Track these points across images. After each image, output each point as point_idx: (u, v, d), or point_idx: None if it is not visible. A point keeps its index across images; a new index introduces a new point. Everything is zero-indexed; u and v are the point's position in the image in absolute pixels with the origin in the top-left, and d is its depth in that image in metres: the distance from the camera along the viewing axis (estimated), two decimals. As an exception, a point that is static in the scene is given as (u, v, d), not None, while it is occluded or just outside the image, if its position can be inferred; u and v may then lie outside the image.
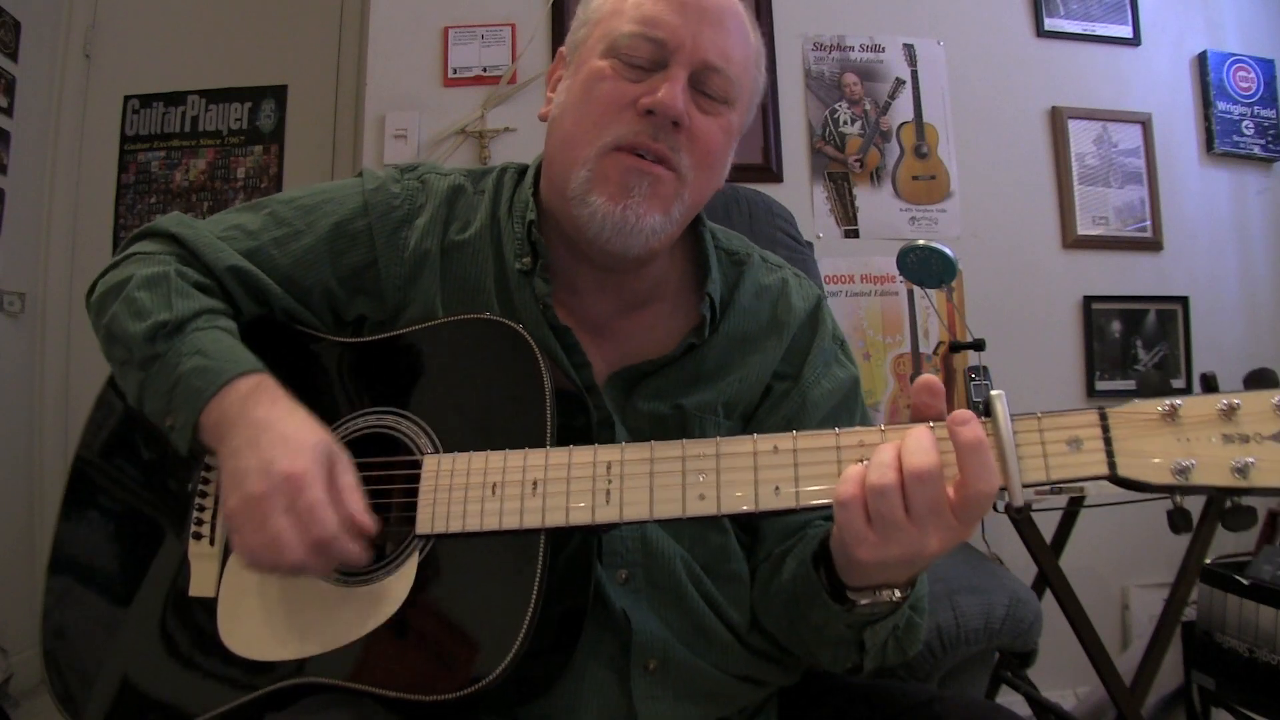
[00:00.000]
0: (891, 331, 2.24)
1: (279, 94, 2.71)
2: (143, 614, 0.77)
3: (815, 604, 0.68)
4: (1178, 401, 0.55)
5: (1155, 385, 0.56)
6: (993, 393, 0.57)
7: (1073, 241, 2.36)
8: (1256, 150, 2.50)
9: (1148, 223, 2.41)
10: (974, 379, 1.80)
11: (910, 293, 2.25)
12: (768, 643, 0.81)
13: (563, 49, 0.85)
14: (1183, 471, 0.54)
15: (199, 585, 0.76)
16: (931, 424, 0.58)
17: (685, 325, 0.84)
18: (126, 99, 2.71)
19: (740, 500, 0.61)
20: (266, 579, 0.73)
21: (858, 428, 0.61)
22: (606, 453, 0.65)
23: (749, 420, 0.85)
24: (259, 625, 0.72)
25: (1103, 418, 0.56)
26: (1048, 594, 1.60)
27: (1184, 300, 2.39)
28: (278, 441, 0.66)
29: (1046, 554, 1.56)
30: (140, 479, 0.83)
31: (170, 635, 0.76)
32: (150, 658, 0.75)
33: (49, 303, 2.53)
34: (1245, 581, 1.72)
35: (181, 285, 0.78)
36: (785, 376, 0.85)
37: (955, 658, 1.02)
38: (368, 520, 0.67)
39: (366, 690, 0.66)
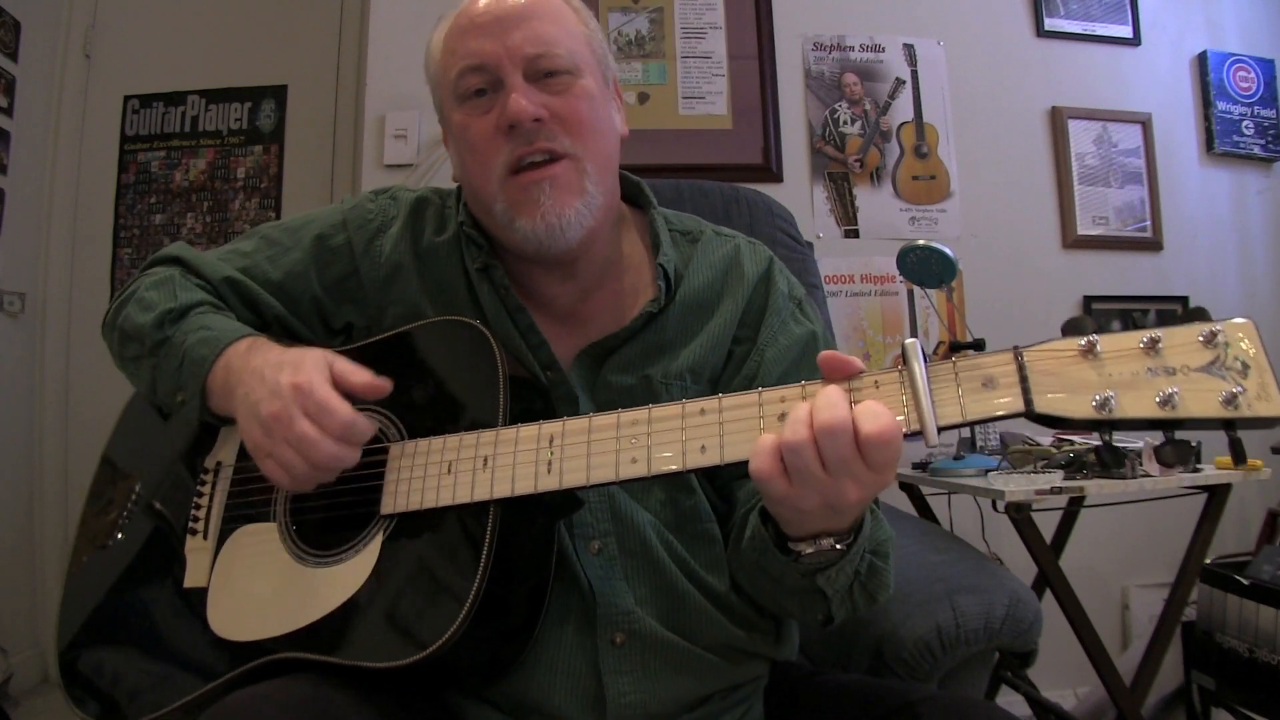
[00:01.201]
0: (891, 331, 2.24)
1: (279, 94, 2.71)
2: (146, 609, 0.83)
3: (768, 555, 0.70)
4: (1095, 337, 0.55)
5: (1080, 329, 0.56)
6: (906, 341, 0.59)
7: (1073, 241, 2.36)
8: (1256, 150, 2.50)
9: (1148, 223, 2.41)
10: (974, 379, 1.79)
11: (910, 293, 2.25)
12: (746, 604, 0.83)
13: (440, 122, 0.92)
14: (1104, 404, 0.53)
15: (193, 577, 0.81)
16: (850, 381, 0.60)
17: (643, 300, 0.88)
18: (126, 99, 2.71)
19: (669, 460, 0.65)
20: (251, 565, 0.78)
21: (779, 387, 0.63)
22: (550, 427, 0.70)
23: (716, 384, 0.88)
24: (242, 608, 0.77)
25: (1017, 355, 0.56)
26: (1048, 594, 1.60)
27: (1184, 300, 2.39)
28: (276, 369, 0.72)
29: (1046, 554, 1.56)
30: (152, 489, 0.88)
31: (166, 625, 0.81)
32: (150, 648, 0.81)
33: (49, 303, 2.53)
34: (1245, 581, 1.72)
35: (185, 282, 0.87)
36: (744, 340, 0.89)
37: (955, 658, 1.02)
38: (378, 386, 0.74)
39: (329, 661, 0.70)
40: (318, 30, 2.72)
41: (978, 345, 1.82)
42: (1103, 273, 2.37)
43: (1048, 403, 0.55)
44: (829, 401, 0.57)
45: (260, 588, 0.77)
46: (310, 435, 0.69)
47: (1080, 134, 2.39)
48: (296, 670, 0.71)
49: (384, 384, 0.74)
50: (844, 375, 0.61)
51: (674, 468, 0.64)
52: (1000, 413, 0.56)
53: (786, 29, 2.31)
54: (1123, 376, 0.54)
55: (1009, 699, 1.85)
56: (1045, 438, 1.67)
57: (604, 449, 0.67)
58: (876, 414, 0.56)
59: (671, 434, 0.65)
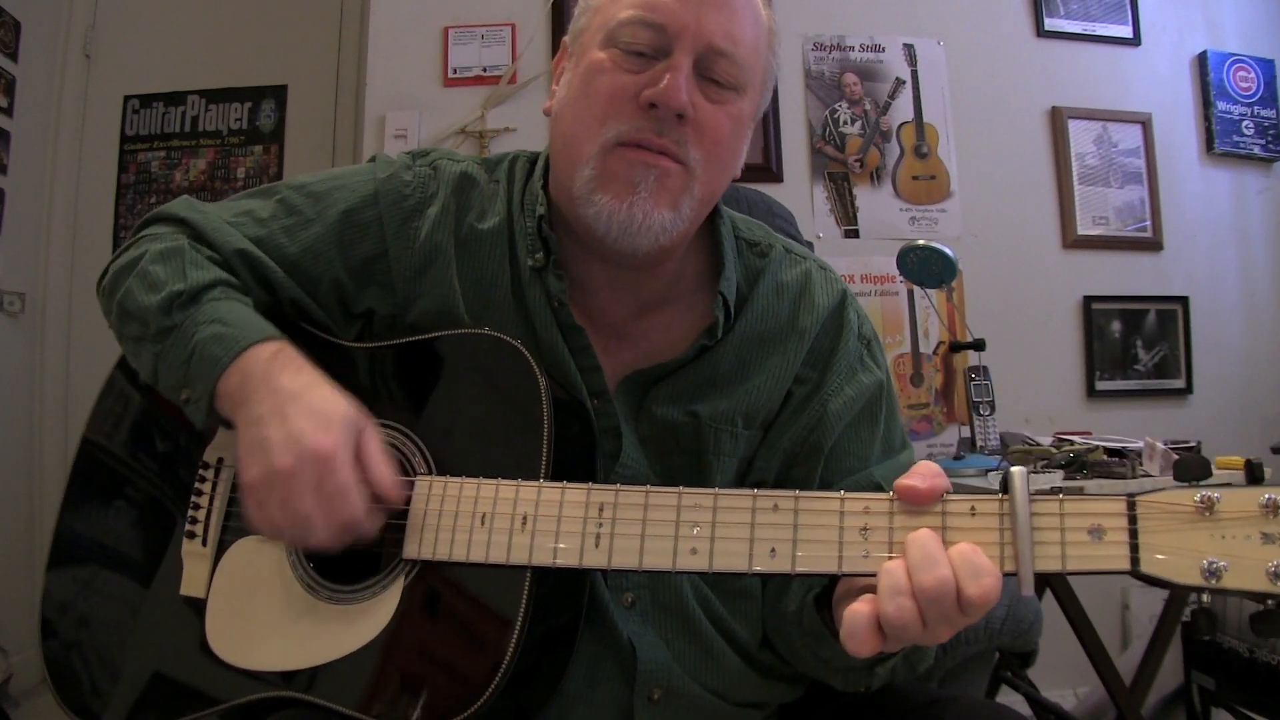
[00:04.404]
0: (892, 331, 2.24)
1: (279, 94, 2.71)
2: (136, 610, 0.78)
3: (823, 643, 0.66)
4: (1215, 495, 0.51)
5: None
6: (1013, 469, 0.54)
7: (1073, 241, 2.36)
8: (1256, 150, 2.50)
9: (1148, 223, 2.41)
10: (974, 379, 1.80)
11: (910, 293, 2.25)
12: (777, 659, 0.79)
13: (565, 39, 0.80)
14: (1214, 573, 0.50)
15: (190, 585, 0.76)
16: (943, 503, 0.55)
17: (700, 325, 0.79)
18: (126, 99, 2.71)
19: (734, 560, 0.59)
20: (256, 584, 0.73)
21: (862, 495, 0.58)
22: (600, 494, 0.63)
23: (769, 429, 0.81)
24: (245, 631, 0.72)
25: (1130, 506, 0.52)
26: (1048, 594, 1.59)
27: (1184, 300, 2.39)
28: (305, 413, 0.64)
29: (1046, 554, 1.55)
30: (142, 473, 0.83)
31: (160, 633, 0.76)
32: (141, 655, 0.76)
33: (49, 303, 2.53)
34: (1245, 581, 1.72)
35: (196, 257, 0.77)
36: (806, 380, 0.80)
37: (955, 658, 1.02)
38: (396, 494, 0.67)
39: (341, 711, 0.66)
40: (318, 30, 2.72)
41: (978, 345, 1.82)
42: (1103, 273, 2.37)
43: (1154, 564, 0.51)
44: (928, 557, 0.52)
45: (266, 613, 0.71)
46: (313, 521, 0.63)
47: (1080, 134, 2.39)
48: (294, 706, 0.68)
49: (398, 500, 0.67)
50: (930, 502, 0.56)
51: (739, 569, 0.58)
52: (1104, 568, 0.53)
53: (786, 29, 2.27)
54: (1235, 541, 0.50)
55: (1009, 699, 1.85)
56: (1045, 438, 1.66)
57: (661, 532, 0.60)
58: (979, 572, 0.52)
59: (739, 529, 0.59)
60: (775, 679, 0.80)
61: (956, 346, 1.92)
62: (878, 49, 2.34)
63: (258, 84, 2.72)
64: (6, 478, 2.40)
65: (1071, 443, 1.56)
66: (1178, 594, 1.62)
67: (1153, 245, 2.41)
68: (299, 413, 0.64)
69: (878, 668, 0.66)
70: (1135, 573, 0.52)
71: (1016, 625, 1.03)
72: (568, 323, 0.77)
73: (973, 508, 0.55)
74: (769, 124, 2.25)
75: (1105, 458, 1.46)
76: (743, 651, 0.79)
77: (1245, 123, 2.49)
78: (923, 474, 0.56)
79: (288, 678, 0.69)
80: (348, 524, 0.64)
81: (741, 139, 0.77)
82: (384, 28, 2.18)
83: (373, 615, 0.67)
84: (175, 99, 2.72)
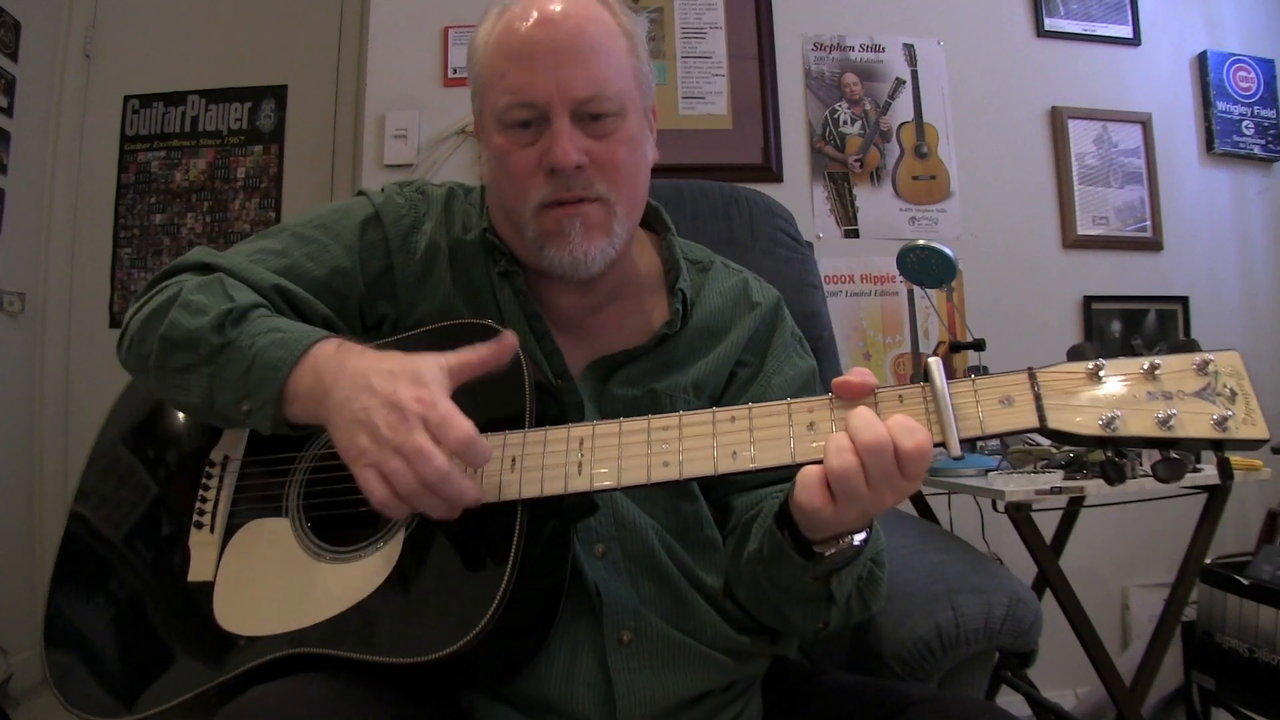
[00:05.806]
0: (891, 331, 2.24)
1: (279, 94, 2.71)
2: (142, 602, 0.81)
3: (783, 563, 0.71)
4: (1102, 362, 0.60)
5: (1086, 355, 0.61)
6: (929, 359, 0.63)
7: (1073, 241, 2.36)
8: (1256, 150, 2.50)
9: (1148, 223, 2.41)
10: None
11: (910, 293, 2.25)
12: (741, 610, 0.84)
13: (474, 113, 0.90)
14: (1110, 423, 0.58)
15: (198, 571, 0.80)
16: (874, 395, 0.63)
17: (657, 320, 0.91)
18: (126, 99, 2.71)
19: (701, 465, 0.66)
20: (263, 559, 0.77)
21: (805, 399, 0.66)
22: (579, 430, 0.71)
23: (716, 402, 0.90)
24: (252, 603, 0.76)
25: (1031, 376, 0.61)
26: (1048, 594, 1.59)
27: (1184, 300, 2.39)
28: (387, 377, 0.67)
29: (1046, 554, 1.55)
30: (149, 482, 0.87)
31: (167, 619, 0.79)
32: (147, 641, 0.79)
33: (49, 303, 2.53)
34: (1245, 581, 1.72)
35: (235, 284, 0.81)
36: (748, 364, 0.93)
37: (955, 658, 1.02)
38: (497, 350, 0.71)
39: (348, 656, 0.69)
40: (318, 30, 2.72)
41: (978, 345, 1.82)
42: (1103, 273, 2.37)
43: (1060, 420, 0.60)
44: (866, 422, 0.60)
45: (273, 583, 0.76)
46: (426, 448, 0.64)
47: (1080, 134, 2.39)
48: (304, 667, 0.70)
49: (506, 343, 0.71)
50: (863, 395, 0.64)
51: (707, 472, 0.66)
52: (1017, 427, 0.61)
53: (786, 29, 2.31)
54: (1126, 398, 0.59)
55: (1009, 699, 1.85)
56: (1045, 438, 1.66)
57: (635, 453, 0.68)
58: (912, 430, 0.60)
59: (702, 439, 0.67)
60: (745, 632, 0.84)
61: (956, 346, 1.92)
62: (878, 49, 2.35)
63: (258, 84, 2.72)
64: (6, 477, 2.39)
65: (1071, 443, 1.56)
66: (1177, 594, 1.63)
67: (1153, 245, 2.41)
68: (384, 381, 0.67)
69: (833, 586, 0.71)
70: (1044, 429, 0.60)
71: (1016, 625, 1.03)
72: (530, 311, 0.88)
73: (900, 396, 0.64)
74: (769, 124, 2.26)
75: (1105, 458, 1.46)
76: (711, 599, 0.85)
77: (1245, 123, 2.50)
78: (855, 372, 0.64)
79: (296, 636, 0.72)
80: (462, 442, 0.65)
81: (640, 148, 0.86)
82: (384, 28, 2.18)
83: (375, 567, 0.73)
84: (175, 99, 2.72)
